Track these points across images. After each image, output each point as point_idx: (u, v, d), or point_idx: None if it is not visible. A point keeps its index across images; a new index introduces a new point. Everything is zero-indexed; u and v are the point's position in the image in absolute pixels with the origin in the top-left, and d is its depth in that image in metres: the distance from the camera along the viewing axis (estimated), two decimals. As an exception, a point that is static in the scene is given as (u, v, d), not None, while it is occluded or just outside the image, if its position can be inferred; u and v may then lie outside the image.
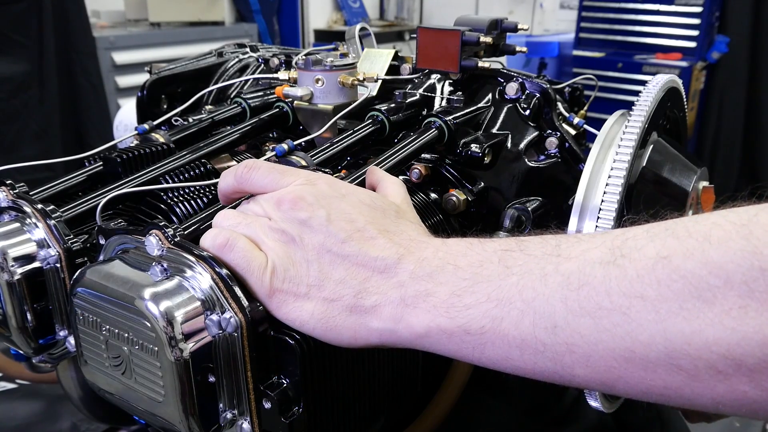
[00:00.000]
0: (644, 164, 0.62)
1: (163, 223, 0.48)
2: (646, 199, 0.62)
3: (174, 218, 0.61)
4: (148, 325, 0.44)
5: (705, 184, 0.68)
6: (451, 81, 0.81)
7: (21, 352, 0.59)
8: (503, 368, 0.42)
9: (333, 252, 0.46)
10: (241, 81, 0.98)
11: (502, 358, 0.41)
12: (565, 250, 0.40)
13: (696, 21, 3.17)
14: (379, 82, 0.84)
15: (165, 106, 1.00)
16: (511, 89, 0.76)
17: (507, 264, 0.41)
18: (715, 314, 0.33)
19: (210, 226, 0.50)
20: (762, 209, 0.34)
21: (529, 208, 0.69)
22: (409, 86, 0.82)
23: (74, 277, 0.50)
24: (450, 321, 0.42)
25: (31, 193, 0.60)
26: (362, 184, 0.59)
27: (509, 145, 0.75)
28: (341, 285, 0.45)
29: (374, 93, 0.83)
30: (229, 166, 0.77)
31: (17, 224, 0.56)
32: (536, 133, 0.75)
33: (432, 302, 0.43)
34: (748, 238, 0.33)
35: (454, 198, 0.70)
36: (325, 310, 0.45)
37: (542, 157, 0.74)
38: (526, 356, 0.40)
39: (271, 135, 0.86)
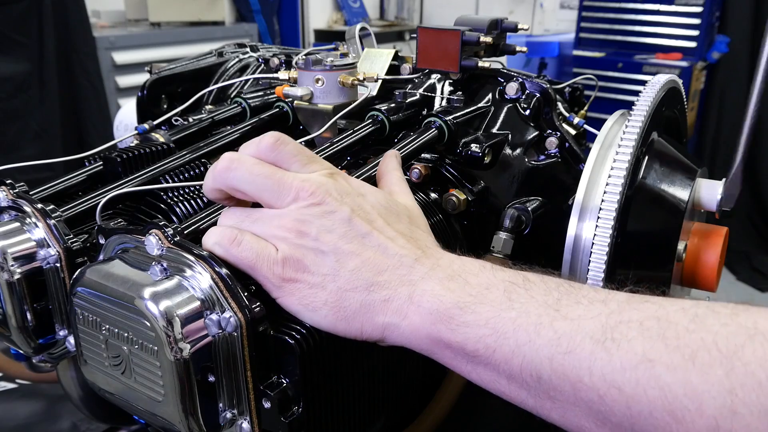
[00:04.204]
0: (644, 165, 0.62)
1: (162, 222, 0.48)
2: (646, 200, 0.62)
3: (174, 218, 0.61)
4: (148, 324, 0.43)
5: (706, 183, 0.68)
6: (451, 81, 0.81)
7: (21, 351, 0.59)
8: (491, 390, 0.44)
9: (352, 244, 0.46)
10: (241, 81, 0.98)
11: (491, 380, 0.43)
12: (563, 308, 0.41)
13: (696, 21, 3.17)
14: (379, 81, 0.84)
15: (165, 106, 1.00)
16: (512, 89, 0.76)
17: (510, 297, 0.43)
18: None
19: (210, 226, 0.50)
20: (750, 338, 0.35)
21: (529, 208, 0.69)
22: (409, 86, 0.82)
23: (74, 276, 0.50)
24: (449, 333, 0.43)
25: (31, 193, 0.60)
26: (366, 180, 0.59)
27: (509, 144, 0.75)
28: (355, 276, 0.46)
29: (374, 93, 0.83)
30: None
31: (17, 224, 0.56)
32: (536, 133, 0.75)
33: (436, 305, 0.44)
34: (729, 375, 0.34)
35: (454, 198, 0.70)
36: (338, 299, 0.46)
37: (542, 157, 0.74)
38: (512, 387, 0.42)
39: (271, 135, 0.86)
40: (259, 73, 0.98)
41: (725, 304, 0.38)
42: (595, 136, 0.66)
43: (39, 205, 0.56)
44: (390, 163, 0.59)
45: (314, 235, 0.46)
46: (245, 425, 0.47)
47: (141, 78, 0.99)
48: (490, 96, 0.78)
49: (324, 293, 0.46)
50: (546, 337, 0.40)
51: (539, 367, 0.40)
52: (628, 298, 0.41)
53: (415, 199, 0.67)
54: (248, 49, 1.06)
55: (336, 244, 0.46)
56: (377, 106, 0.75)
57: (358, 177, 0.60)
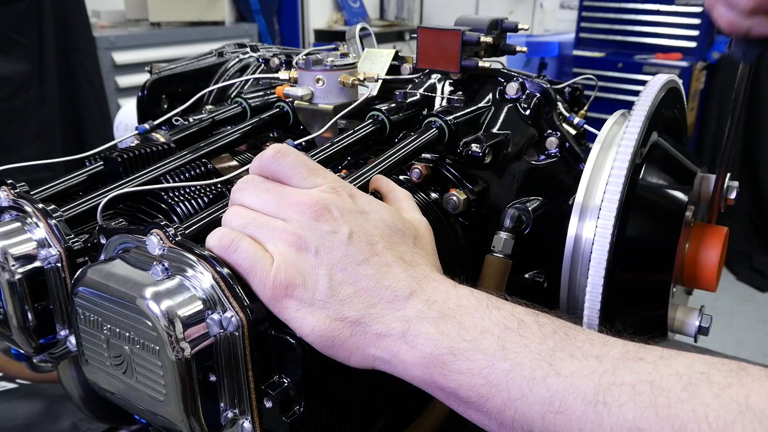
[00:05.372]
0: (644, 164, 0.62)
1: (164, 222, 0.48)
2: (646, 199, 0.62)
3: (175, 218, 0.61)
4: (150, 324, 0.44)
5: (709, 176, 0.68)
6: (451, 81, 0.81)
7: (22, 351, 0.59)
8: (483, 427, 0.44)
9: (347, 271, 0.46)
10: (241, 81, 0.98)
11: (482, 424, 0.43)
12: (557, 362, 0.41)
13: (696, 21, 3.17)
14: (380, 81, 0.84)
15: (165, 106, 1.00)
16: (512, 89, 0.76)
17: (504, 345, 0.42)
18: None
19: (211, 226, 0.50)
20: (741, 414, 0.34)
21: (530, 208, 0.69)
22: (410, 86, 0.82)
23: (75, 276, 0.50)
24: (442, 378, 0.43)
25: (31, 193, 0.60)
26: (363, 186, 0.59)
27: (510, 144, 0.75)
28: (347, 305, 0.45)
29: (375, 93, 0.83)
30: (229, 166, 0.77)
31: (18, 224, 0.56)
32: (536, 133, 0.75)
33: (429, 349, 0.43)
34: None
35: (454, 197, 0.70)
36: (326, 327, 0.45)
37: (542, 156, 0.74)
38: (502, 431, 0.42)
39: (271, 135, 0.86)
40: (260, 73, 0.98)
41: (721, 366, 0.37)
42: (595, 136, 0.66)
43: (40, 205, 0.56)
44: (388, 183, 0.59)
45: (313, 252, 0.46)
46: (246, 425, 0.47)
47: (141, 78, 1.00)
48: (490, 96, 0.78)
49: (313, 319, 0.45)
50: (538, 395, 0.40)
51: (531, 423, 0.40)
52: (622, 355, 0.40)
53: (416, 199, 0.67)
54: (248, 49, 1.06)
55: (331, 267, 0.45)
56: (378, 106, 0.75)
57: (356, 178, 0.59)
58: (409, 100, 0.79)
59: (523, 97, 0.76)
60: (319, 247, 0.46)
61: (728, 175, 0.69)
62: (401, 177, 0.72)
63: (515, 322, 0.43)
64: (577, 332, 0.43)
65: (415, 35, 0.79)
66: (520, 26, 0.83)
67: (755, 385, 0.36)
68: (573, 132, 0.75)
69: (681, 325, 0.66)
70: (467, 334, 0.43)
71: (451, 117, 0.72)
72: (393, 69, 0.87)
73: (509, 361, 0.41)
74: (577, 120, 0.76)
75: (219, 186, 0.64)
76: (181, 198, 0.62)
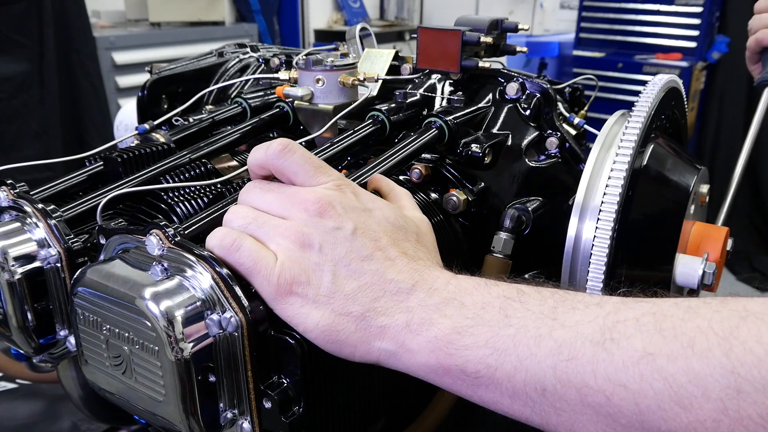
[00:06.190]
0: (644, 164, 0.62)
1: (163, 222, 0.48)
2: (646, 200, 0.62)
3: (174, 218, 0.61)
4: (149, 324, 0.44)
5: (705, 188, 0.69)
6: (451, 81, 0.81)
7: (21, 351, 0.59)
8: (494, 409, 0.44)
9: (351, 267, 0.46)
10: (241, 81, 0.98)
11: (493, 401, 0.43)
12: (560, 315, 0.41)
13: (696, 21, 3.17)
14: (380, 82, 0.84)
15: (165, 106, 1.00)
16: (512, 89, 0.76)
17: (507, 313, 0.43)
18: (690, 420, 0.36)
19: (211, 226, 0.50)
20: (743, 319, 0.36)
21: (530, 208, 0.69)
22: (410, 86, 0.82)
23: (75, 276, 0.50)
24: (448, 358, 0.43)
25: (31, 193, 0.60)
26: (362, 186, 0.59)
27: (510, 145, 0.75)
28: (351, 300, 0.45)
29: (375, 93, 0.83)
30: (229, 166, 0.77)
31: (18, 224, 0.56)
32: (536, 133, 0.75)
33: (434, 333, 0.44)
34: (728, 355, 0.35)
35: (454, 198, 0.70)
36: (330, 322, 0.45)
37: (542, 157, 0.74)
38: (515, 405, 0.42)
39: (271, 135, 0.86)
40: (260, 73, 0.98)
41: (714, 297, 0.39)
42: (595, 136, 0.66)
43: (40, 205, 0.56)
44: (388, 182, 0.59)
45: (317, 248, 0.46)
46: (246, 425, 0.47)
47: (141, 78, 1.00)
48: (490, 96, 0.78)
49: (317, 314, 0.45)
50: (547, 348, 0.40)
51: (543, 379, 0.40)
52: (622, 299, 0.42)
53: (416, 199, 0.67)
54: (248, 50, 1.06)
55: (336, 263, 0.46)
56: (378, 107, 0.75)
57: (356, 178, 0.59)
58: (409, 100, 0.79)
59: (523, 97, 0.76)
60: (323, 243, 0.46)
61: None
62: (401, 177, 0.72)
63: (514, 292, 0.44)
64: (575, 293, 0.44)
65: (415, 35, 0.79)
66: (520, 26, 0.83)
67: (749, 300, 0.37)
68: (573, 132, 0.75)
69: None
70: (468, 311, 0.44)
71: (451, 117, 0.72)
72: (393, 69, 0.87)
73: (513, 327, 0.42)
74: (577, 120, 0.76)
75: (219, 186, 0.64)
76: (181, 198, 0.62)
